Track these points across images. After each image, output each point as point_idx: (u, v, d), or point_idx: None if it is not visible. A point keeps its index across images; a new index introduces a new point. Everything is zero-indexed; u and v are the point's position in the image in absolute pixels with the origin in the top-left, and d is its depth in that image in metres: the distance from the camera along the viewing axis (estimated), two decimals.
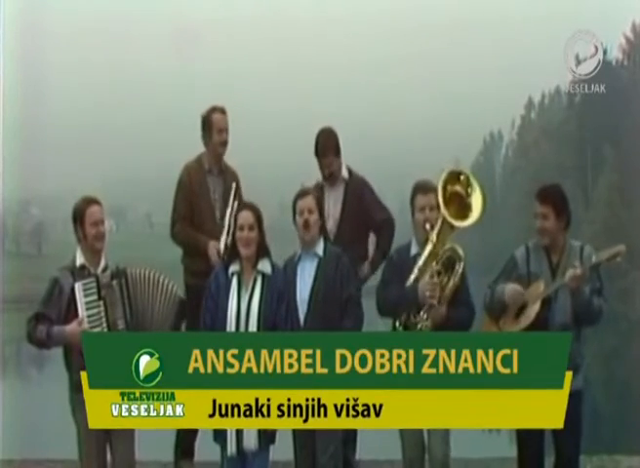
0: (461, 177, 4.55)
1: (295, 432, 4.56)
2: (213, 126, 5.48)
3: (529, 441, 4.47)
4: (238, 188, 5.41)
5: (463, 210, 4.51)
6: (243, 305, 4.36)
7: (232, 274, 4.44)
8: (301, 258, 4.63)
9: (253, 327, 4.32)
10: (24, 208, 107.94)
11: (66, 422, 4.55)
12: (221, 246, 5.13)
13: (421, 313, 4.42)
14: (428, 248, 4.47)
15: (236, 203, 5.25)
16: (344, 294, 4.52)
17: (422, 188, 4.58)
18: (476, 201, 4.51)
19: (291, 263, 4.65)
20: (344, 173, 5.54)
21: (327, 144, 5.47)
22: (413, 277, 4.47)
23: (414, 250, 4.60)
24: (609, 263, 4.21)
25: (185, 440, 5.54)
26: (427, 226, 4.47)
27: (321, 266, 4.56)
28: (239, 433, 4.26)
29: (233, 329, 4.32)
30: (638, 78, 57.03)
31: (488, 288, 4.53)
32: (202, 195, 5.46)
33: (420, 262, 4.49)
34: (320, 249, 4.61)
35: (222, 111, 5.54)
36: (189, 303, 5.18)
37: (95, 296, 4.31)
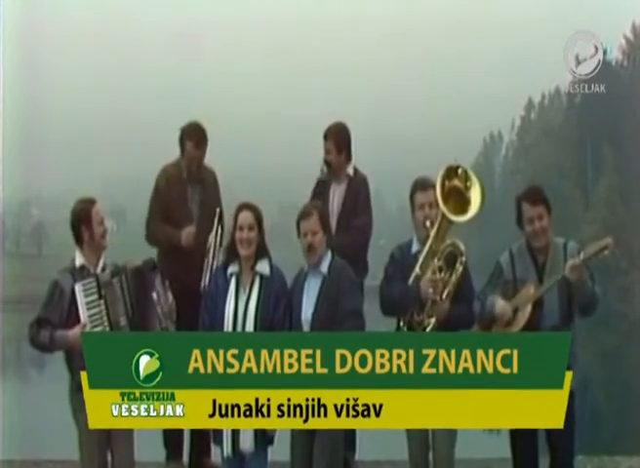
0: (459, 171, 4.53)
1: (293, 432, 4.54)
2: (185, 154, 5.47)
3: (523, 442, 4.46)
4: (221, 214, 5.35)
5: (463, 204, 4.50)
6: (240, 306, 4.36)
7: (231, 275, 4.44)
8: (308, 276, 4.53)
9: (249, 328, 4.31)
10: (24, 208, 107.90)
11: (66, 423, 4.55)
12: (207, 275, 5.08)
13: (425, 311, 4.42)
14: (428, 245, 4.46)
15: (220, 227, 5.25)
16: (346, 307, 4.42)
17: (422, 185, 4.57)
18: (475, 195, 4.49)
19: (298, 281, 4.56)
20: (350, 170, 5.60)
21: (330, 131, 5.59)
22: (414, 275, 4.46)
23: (415, 247, 4.59)
24: (597, 257, 4.19)
25: (172, 441, 5.56)
26: (427, 223, 4.46)
27: (325, 284, 4.46)
28: (235, 434, 4.27)
29: (230, 330, 4.31)
30: (638, 78, 57.03)
31: (477, 299, 4.51)
32: (179, 203, 5.46)
33: (421, 260, 4.48)
34: (325, 266, 4.49)
35: (197, 143, 5.46)
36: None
37: (95, 296, 4.31)
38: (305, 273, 4.55)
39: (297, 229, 4.57)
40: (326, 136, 5.58)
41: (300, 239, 4.52)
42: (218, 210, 5.36)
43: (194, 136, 5.47)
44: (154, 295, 4.42)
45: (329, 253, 4.55)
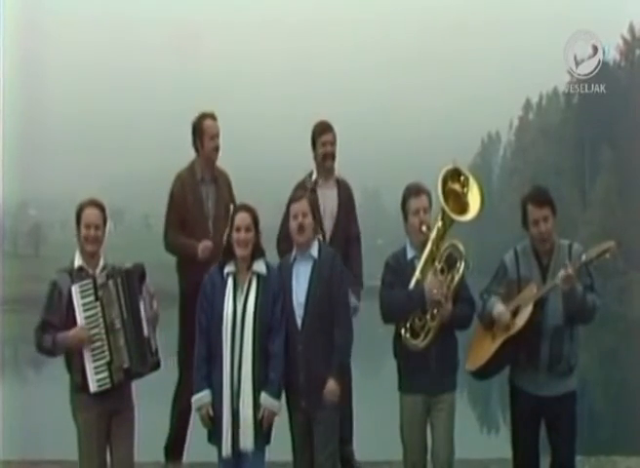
0: (462, 178, 4.50)
1: (293, 432, 4.56)
2: (204, 132, 5.46)
3: (524, 441, 4.47)
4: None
5: (461, 208, 4.47)
6: (239, 306, 4.34)
7: (228, 275, 4.42)
8: (296, 260, 4.56)
9: (249, 328, 4.30)
10: (22, 209, 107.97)
11: (64, 423, 4.55)
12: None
13: (427, 314, 4.39)
14: (428, 248, 4.42)
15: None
16: (336, 298, 4.46)
17: (415, 191, 4.53)
18: (473, 198, 4.47)
19: (286, 265, 4.58)
20: (337, 173, 5.60)
21: (326, 126, 5.56)
22: (415, 279, 4.42)
23: (410, 253, 4.55)
24: (599, 260, 4.18)
25: (175, 441, 5.58)
26: (424, 228, 4.42)
27: (316, 267, 4.50)
28: (235, 434, 4.26)
29: (229, 330, 4.29)
30: (635, 79, 57.10)
31: (480, 297, 4.51)
32: (196, 206, 5.44)
33: (421, 264, 4.44)
34: (315, 250, 4.54)
35: (213, 117, 5.53)
36: (185, 309, 5.25)
37: (92, 297, 4.29)
38: (294, 258, 4.57)
39: (286, 214, 4.59)
40: (327, 129, 5.54)
41: (289, 222, 4.55)
42: (231, 207, 5.39)
43: (210, 129, 5.48)
44: (141, 300, 4.40)
45: (316, 241, 4.59)
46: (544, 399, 4.37)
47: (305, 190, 5.42)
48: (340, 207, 5.52)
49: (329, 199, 5.51)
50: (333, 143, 5.53)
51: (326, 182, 5.55)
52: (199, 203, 5.45)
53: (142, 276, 4.46)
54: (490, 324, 4.47)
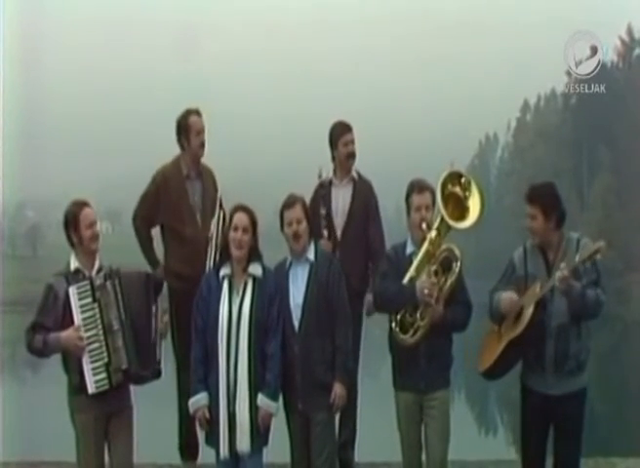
0: (463, 180, 4.50)
1: (291, 433, 4.56)
2: (190, 129, 5.45)
3: (531, 440, 4.46)
4: (221, 199, 5.37)
5: (461, 211, 4.47)
6: (234, 308, 4.34)
7: (223, 277, 4.42)
8: (292, 265, 4.57)
9: (244, 330, 4.30)
10: (20, 210, 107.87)
11: (62, 424, 4.54)
12: (210, 262, 5.08)
13: (418, 313, 4.40)
14: (425, 248, 4.44)
15: (222, 212, 5.26)
16: (335, 300, 4.49)
17: (418, 188, 4.54)
18: (474, 204, 4.47)
19: (282, 270, 4.58)
20: (354, 173, 5.61)
21: (346, 126, 5.62)
22: (409, 276, 4.44)
23: (409, 248, 4.57)
24: (590, 260, 4.18)
25: (189, 441, 5.56)
26: (424, 226, 4.43)
27: (313, 270, 4.51)
28: (232, 435, 4.27)
29: (225, 332, 4.30)
30: (633, 80, 57.16)
31: (489, 294, 4.51)
32: (181, 200, 5.44)
33: (417, 262, 4.46)
34: (311, 254, 4.56)
35: (198, 113, 5.52)
36: (172, 306, 5.29)
37: (89, 299, 4.28)
38: (290, 262, 4.58)
39: (280, 220, 4.59)
40: (348, 129, 5.60)
41: (284, 229, 4.54)
42: (219, 195, 5.37)
43: (196, 125, 5.47)
44: (153, 308, 4.39)
45: (312, 244, 4.60)
46: (553, 398, 4.36)
47: (323, 188, 5.51)
48: (352, 205, 5.52)
49: (342, 197, 5.54)
50: (354, 142, 5.59)
51: (341, 181, 5.58)
52: (184, 197, 5.44)
53: (159, 285, 4.48)
54: (500, 322, 4.47)
